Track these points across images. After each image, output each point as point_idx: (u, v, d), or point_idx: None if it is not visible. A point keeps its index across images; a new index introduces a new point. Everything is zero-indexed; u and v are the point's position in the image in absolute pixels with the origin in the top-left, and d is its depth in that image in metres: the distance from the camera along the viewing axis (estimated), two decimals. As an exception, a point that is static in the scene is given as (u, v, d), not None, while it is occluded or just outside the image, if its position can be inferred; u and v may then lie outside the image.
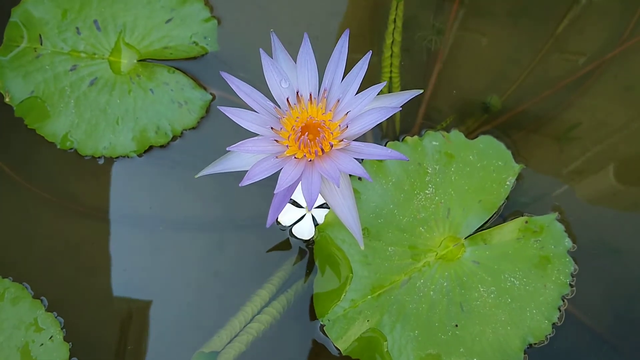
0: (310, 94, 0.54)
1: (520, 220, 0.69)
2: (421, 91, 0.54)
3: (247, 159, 0.54)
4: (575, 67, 0.81)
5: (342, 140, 0.52)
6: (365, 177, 0.48)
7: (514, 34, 0.83)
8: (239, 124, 0.52)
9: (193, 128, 0.79)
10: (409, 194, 0.70)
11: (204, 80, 0.80)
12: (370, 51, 0.54)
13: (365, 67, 0.53)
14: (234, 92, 0.54)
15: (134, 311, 0.73)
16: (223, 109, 0.51)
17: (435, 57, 0.82)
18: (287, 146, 0.53)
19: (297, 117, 0.53)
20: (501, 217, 0.72)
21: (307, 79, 0.54)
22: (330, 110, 0.54)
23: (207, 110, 0.79)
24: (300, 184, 0.51)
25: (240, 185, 0.49)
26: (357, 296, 0.67)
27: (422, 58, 0.82)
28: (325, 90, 0.54)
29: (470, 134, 0.77)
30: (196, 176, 0.56)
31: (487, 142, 0.72)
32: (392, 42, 0.80)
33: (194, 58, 0.81)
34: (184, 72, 0.79)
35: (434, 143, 0.72)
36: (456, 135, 0.72)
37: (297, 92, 0.54)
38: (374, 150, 0.50)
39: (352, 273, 0.68)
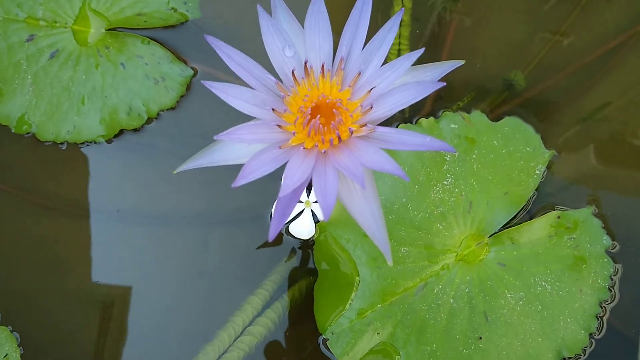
0: (323, 65, 0.43)
1: (551, 216, 0.63)
2: (463, 62, 0.45)
3: (241, 150, 0.44)
4: (603, 40, 0.76)
5: (365, 124, 0.42)
6: (400, 175, 0.38)
7: (535, 3, 0.77)
8: (230, 103, 0.42)
9: (172, 108, 0.72)
10: (425, 185, 0.64)
11: (184, 53, 0.74)
12: (403, 8, 0.43)
13: (396, 28, 0.43)
14: (221, 66, 0.45)
15: (106, 323, 0.67)
16: (209, 84, 0.41)
17: (448, 26, 0.76)
18: (293, 133, 0.42)
19: (306, 96, 0.43)
20: (528, 212, 0.67)
21: (317, 45, 0.44)
22: (349, 86, 0.43)
23: (188, 88, 0.72)
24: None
25: (232, 186, 0.39)
26: (365, 305, 0.62)
27: (435, 28, 0.76)
28: (341, 59, 0.43)
29: (489, 115, 0.70)
30: (175, 172, 0.46)
31: (513, 125, 0.66)
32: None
33: (172, 27, 0.74)
34: (161, 43, 0.72)
35: (453, 126, 0.66)
36: (478, 116, 0.67)
37: (305, 63, 0.43)
38: (408, 139, 0.39)
39: (359, 277, 0.63)
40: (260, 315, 0.65)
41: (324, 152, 0.41)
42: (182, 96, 0.72)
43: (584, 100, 0.74)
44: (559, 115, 0.73)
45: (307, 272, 0.68)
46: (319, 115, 0.42)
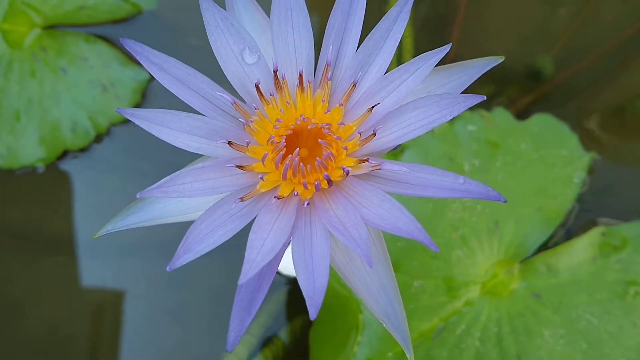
0: (301, 74, 0.32)
1: (594, 233, 0.59)
2: (501, 59, 0.34)
3: (186, 203, 0.32)
4: (637, 15, 0.71)
5: (366, 159, 0.30)
6: (425, 243, 0.27)
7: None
8: (165, 139, 0.30)
9: (124, 122, 0.66)
10: (440, 202, 0.60)
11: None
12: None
13: (406, 16, 0.31)
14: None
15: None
16: (128, 113, 0.29)
17: (456, 6, 0.71)
18: (260, 176, 0.30)
19: (278, 120, 0.31)
20: (565, 230, 0.62)
21: (292, 46, 0.32)
22: (340, 104, 0.31)
23: (143, 95, 0.67)
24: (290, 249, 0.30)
25: (168, 269, 0.29)
26: (373, 353, 0.56)
27: (440, 9, 0.73)
28: (327, 65, 0.32)
29: (510, 111, 0.65)
30: (95, 236, 0.37)
31: (544, 123, 0.62)
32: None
33: (123, 20, 0.68)
34: (109, 42, 0.67)
35: (470, 128, 0.61)
36: (500, 114, 0.62)
37: (275, 72, 0.31)
38: (433, 179, 0.28)
39: (362, 315, 0.57)
40: (246, 367, 0.59)
41: (307, 203, 0.30)
42: (137, 105, 0.67)
43: (618, 86, 0.71)
44: (591, 106, 0.69)
45: (302, 310, 0.62)
46: (298, 148, 0.30)
